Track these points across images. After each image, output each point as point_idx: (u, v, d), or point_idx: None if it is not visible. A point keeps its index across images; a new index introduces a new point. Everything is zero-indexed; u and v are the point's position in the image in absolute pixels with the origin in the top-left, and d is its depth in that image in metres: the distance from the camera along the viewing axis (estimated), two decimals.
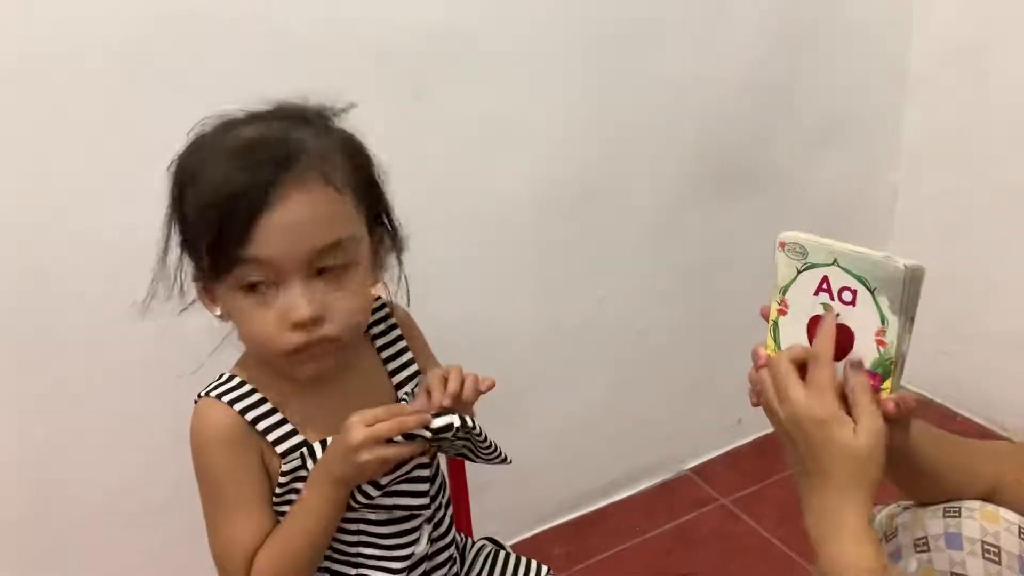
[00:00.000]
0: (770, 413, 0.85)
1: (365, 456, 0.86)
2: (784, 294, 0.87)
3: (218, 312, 0.90)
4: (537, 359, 1.74)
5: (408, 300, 1.04)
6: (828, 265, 0.83)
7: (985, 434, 2.06)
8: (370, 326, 1.04)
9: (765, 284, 2.20)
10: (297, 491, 0.94)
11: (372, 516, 0.97)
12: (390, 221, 0.97)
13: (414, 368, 1.05)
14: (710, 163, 1.80)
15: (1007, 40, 1.84)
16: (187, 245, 0.89)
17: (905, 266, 0.78)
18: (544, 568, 1.15)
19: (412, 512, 0.98)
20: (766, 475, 1.86)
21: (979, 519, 0.89)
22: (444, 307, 1.52)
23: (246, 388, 0.94)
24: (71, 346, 1.29)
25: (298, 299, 0.85)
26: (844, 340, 0.83)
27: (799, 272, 0.85)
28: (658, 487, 1.98)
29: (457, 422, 0.87)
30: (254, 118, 0.89)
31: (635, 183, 1.73)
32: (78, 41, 1.18)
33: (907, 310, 0.80)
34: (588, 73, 1.60)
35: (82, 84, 1.20)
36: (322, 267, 0.86)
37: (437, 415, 0.88)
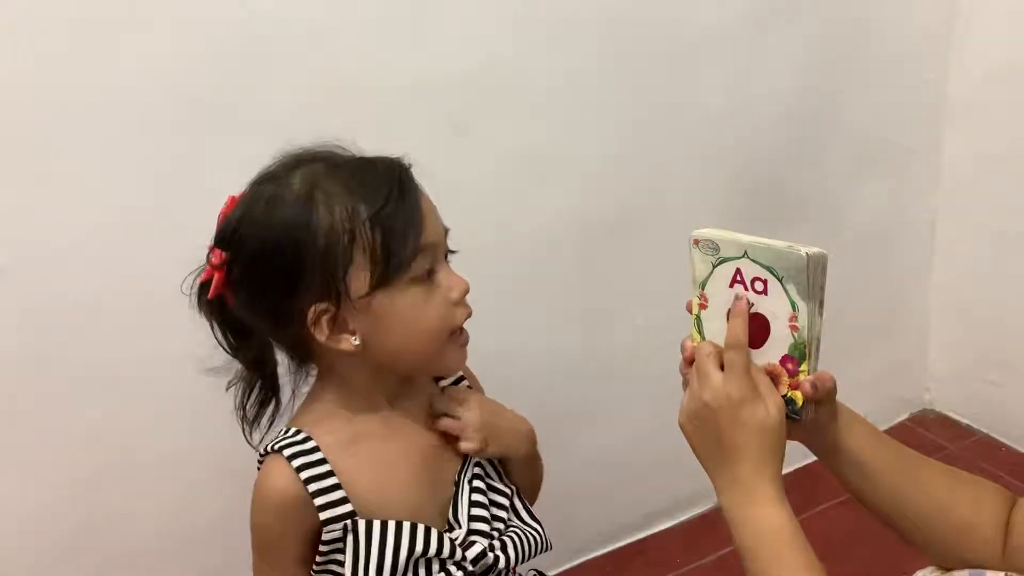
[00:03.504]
0: (691, 401, 0.88)
1: None
2: (703, 289, 0.91)
3: (356, 341, 0.90)
4: (575, 389, 1.74)
5: None
6: (739, 258, 0.86)
7: None
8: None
9: None
10: (339, 562, 0.94)
11: None
12: None
13: None
14: (748, 192, 1.80)
15: None
16: (322, 284, 0.87)
17: (807, 254, 0.81)
18: None
19: None
20: (808, 506, 1.83)
21: None
22: (483, 338, 1.52)
23: (310, 444, 0.94)
24: (121, 380, 1.32)
25: (454, 276, 0.94)
26: (762, 327, 0.86)
27: (714, 267, 0.89)
28: (699, 518, 1.96)
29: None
30: (298, 162, 0.91)
31: (672, 213, 1.73)
32: (136, 82, 1.21)
33: (814, 295, 0.83)
34: (624, 105, 1.61)
35: (139, 124, 1.23)
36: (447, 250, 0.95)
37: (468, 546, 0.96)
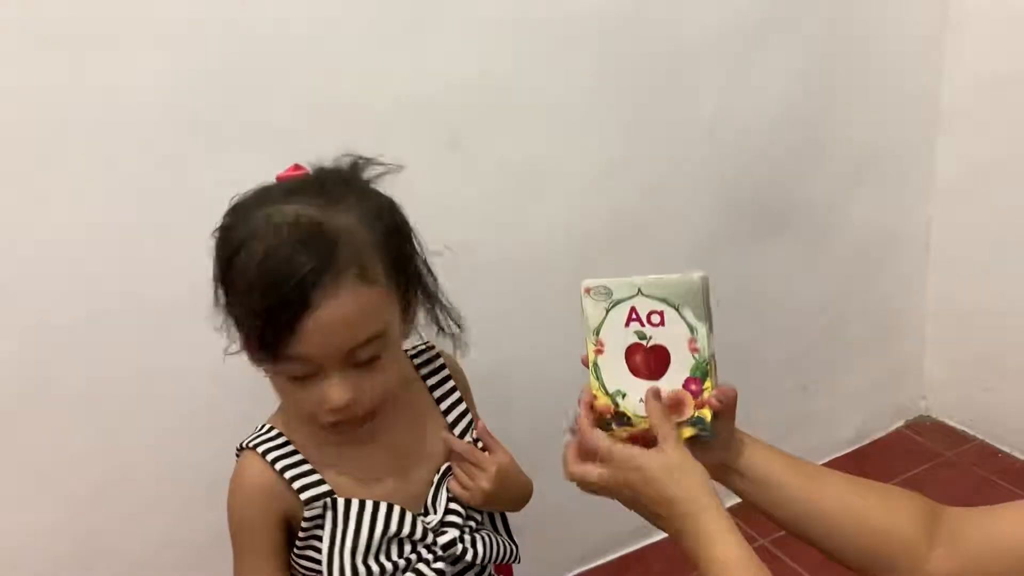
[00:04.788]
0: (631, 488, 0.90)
1: None
2: (598, 335, 0.95)
3: (264, 373, 0.92)
4: (572, 401, 1.74)
5: (456, 347, 1.08)
6: (633, 296, 0.91)
7: None
8: (419, 366, 1.09)
9: (801, 322, 2.17)
10: (319, 538, 0.96)
11: None
12: (427, 277, 0.99)
13: (463, 407, 1.09)
14: (743, 202, 1.80)
15: None
16: (233, 315, 0.89)
17: (700, 277, 0.87)
18: None
19: None
20: None
21: None
22: (479, 352, 1.53)
23: (281, 439, 0.98)
24: (120, 397, 1.32)
25: (333, 390, 0.88)
26: (662, 357, 0.91)
27: (607, 311, 0.94)
28: None
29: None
30: (291, 192, 0.88)
31: (668, 225, 1.73)
32: (133, 96, 1.21)
33: (708, 315, 0.88)
34: (619, 117, 1.61)
35: (136, 137, 1.23)
36: (357, 359, 0.88)
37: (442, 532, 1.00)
